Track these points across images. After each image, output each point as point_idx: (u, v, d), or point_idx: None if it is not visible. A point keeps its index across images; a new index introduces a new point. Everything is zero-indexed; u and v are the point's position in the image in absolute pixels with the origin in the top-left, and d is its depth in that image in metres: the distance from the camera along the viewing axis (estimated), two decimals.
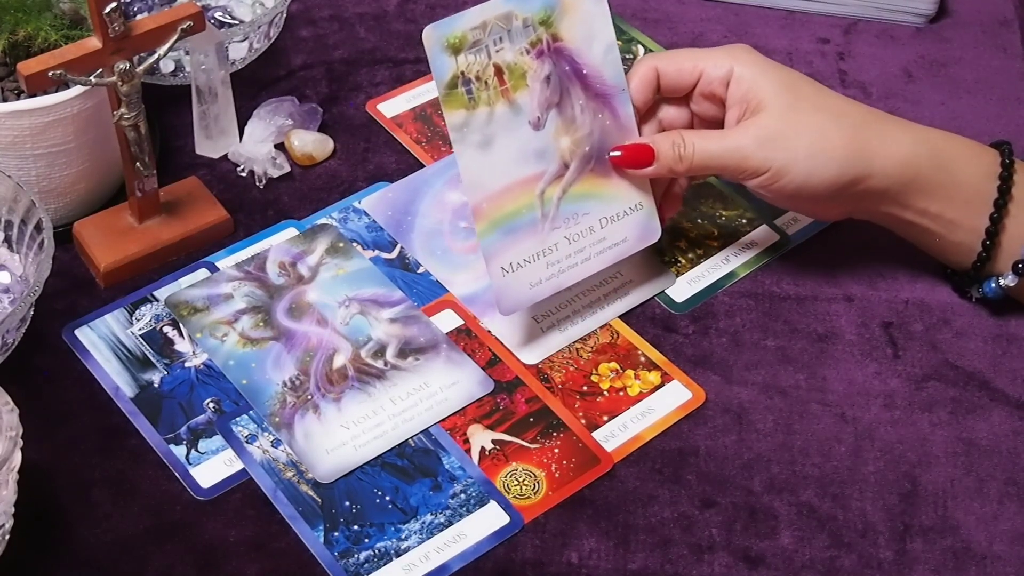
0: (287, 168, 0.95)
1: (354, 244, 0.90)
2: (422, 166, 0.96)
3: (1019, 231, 0.83)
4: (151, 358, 0.83)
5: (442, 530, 0.76)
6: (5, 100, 0.88)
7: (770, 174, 0.81)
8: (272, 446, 0.79)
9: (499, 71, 0.80)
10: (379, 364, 0.83)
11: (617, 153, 0.83)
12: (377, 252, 0.90)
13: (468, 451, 0.80)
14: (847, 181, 0.82)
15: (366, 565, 0.74)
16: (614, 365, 0.84)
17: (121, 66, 0.81)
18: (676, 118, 0.87)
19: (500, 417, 0.81)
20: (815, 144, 0.81)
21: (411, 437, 0.80)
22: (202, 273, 0.88)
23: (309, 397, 0.81)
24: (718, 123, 0.85)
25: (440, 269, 0.89)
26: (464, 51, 0.79)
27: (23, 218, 0.82)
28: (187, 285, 0.87)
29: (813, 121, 0.81)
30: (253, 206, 0.93)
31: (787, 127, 0.81)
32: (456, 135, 0.79)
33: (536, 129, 0.81)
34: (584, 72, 0.82)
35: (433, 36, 0.78)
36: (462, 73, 0.79)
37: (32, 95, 0.83)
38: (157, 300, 0.87)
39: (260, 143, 0.95)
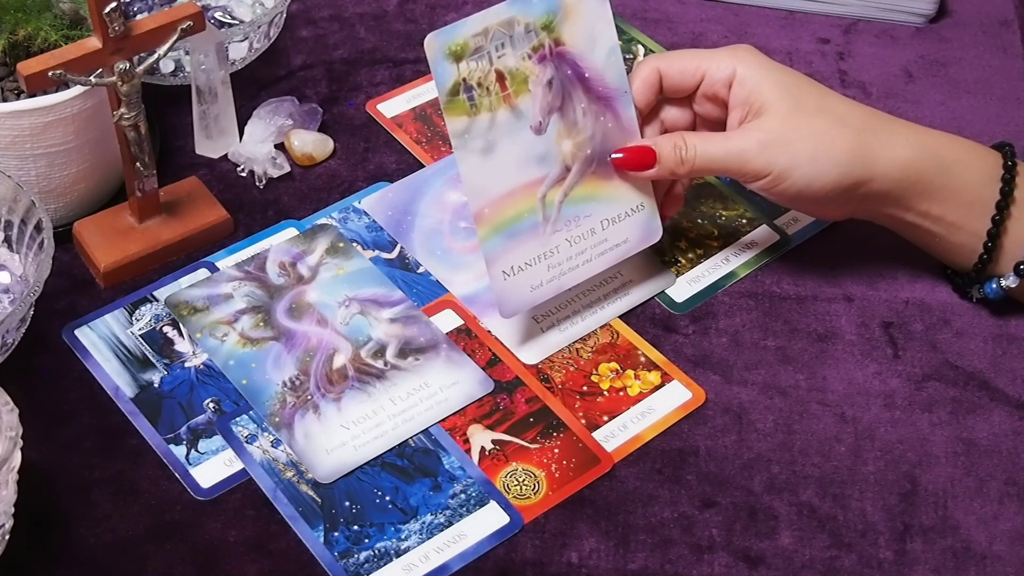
0: (287, 168, 0.95)
1: (354, 244, 0.90)
2: (422, 166, 0.96)
3: (1020, 233, 0.83)
4: (151, 358, 0.83)
5: (442, 530, 0.76)
6: (5, 100, 0.88)
7: (771, 177, 0.81)
8: (272, 446, 0.79)
9: (501, 77, 0.80)
10: (379, 364, 0.83)
11: (619, 155, 0.83)
12: (377, 252, 0.90)
13: (468, 451, 0.80)
14: (849, 184, 0.82)
15: (366, 565, 0.74)
16: (614, 365, 0.84)
17: (121, 66, 0.81)
18: (679, 119, 0.87)
19: (500, 417, 0.81)
20: (817, 148, 0.81)
21: (411, 437, 0.80)
22: (202, 273, 0.88)
23: (309, 397, 0.81)
24: (721, 124, 0.85)
25: (440, 269, 0.89)
26: (466, 58, 0.78)
27: (23, 218, 0.82)
28: (187, 285, 0.87)
29: (815, 125, 0.81)
30: (253, 206, 0.93)
31: (789, 131, 0.81)
32: (458, 142, 0.79)
33: (538, 133, 0.81)
34: (586, 75, 0.82)
35: (435, 44, 0.78)
36: (464, 80, 0.79)
37: (32, 95, 0.83)
38: (157, 300, 0.87)
39: (260, 143, 0.95)
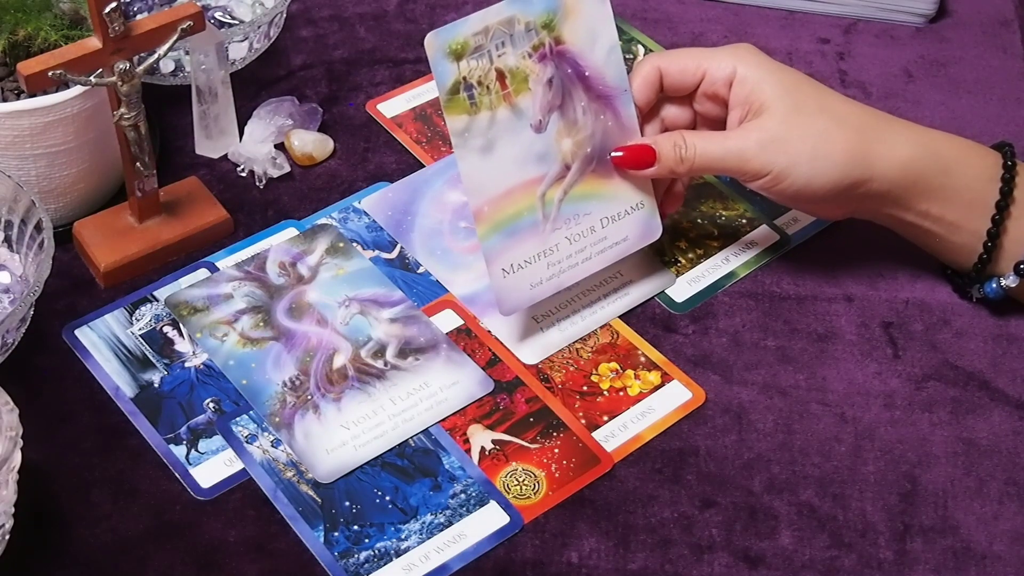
0: (287, 168, 0.95)
1: (354, 244, 0.90)
2: (422, 166, 0.96)
3: (1020, 233, 0.83)
4: (151, 358, 0.83)
5: (442, 530, 0.76)
6: (5, 100, 0.88)
7: (771, 177, 0.81)
8: (272, 446, 0.79)
9: (501, 75, 0.80)
10: (379, 364, 0.83)
11: (619, 154, 0.83)
12: (377, 252, 0.90)
13: (468, 451, 0.80)
14: (848, 184, 0.82)
15: (366, 565, 0.74)
16: (614, 365, 0.84)
17: (121, 66, 0.81)
18: (679, 117, 0.87)
19: (500, 417, 0.81)
20: (817, 148, 0.81)
21: (411, 437, 0.80)
22: (202, 273, 0.88)
23: (309, 397, 0.81)
24: (721, 123, 0.85)
25: (440, 269, 0.89)
26: (466, 57, 0.79)
27: (23, 218, 0.82)
28: (187, 285, 0.87)
29: (815, 124, 0.81)
30: (253, 206, 0.93)
31: (789, 130, 0.81)
32: (458, 140, 0.79)
33: (538, 132, 0.81)
34: (586, 74, 0.82)
35: (435, 43, 0.78)
36: (464, 78, 0.79)
37: (32, 95, 0.83)
38: (157, 300, 0.87)
39: (260, 143, 0.95)
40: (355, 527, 0.76)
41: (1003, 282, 0.85)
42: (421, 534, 0.76)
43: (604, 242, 0.85)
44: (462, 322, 0.86)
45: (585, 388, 0.83)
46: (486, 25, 0.79)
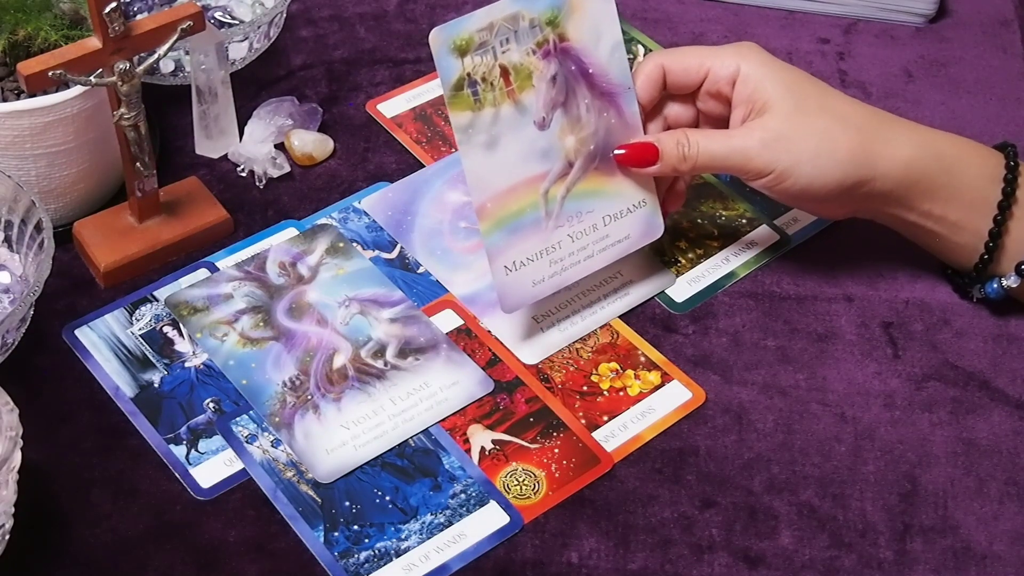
0: (287, 168, 0.95)
1: (354, 244, 0.90)
2: (422, 166, 0.96)
3: (1022, 233, 0.83)
4: (151, 358, 0.83)
5: (442, 530, 0.76)
6: (5, 100, 0.88)
7: (774, 176, 0.81)
8: (272, 446, 0.79)
9: (505, 72, 0.80)
10: (379, 364, 0.83)
11: (621, 152, 0.83)
12: (377, 252, 0.90)
13: (468, 451, 0.80)
14: (851, 184, 0.82)
15: (366, 565, 0.74)
16: (614, 365, 0.84)
17: (121, 66, 0.81)
18: (682, 116, 0.87)
19: (500, 417, 0.81)
20: (820, 147, 0.81)
21: (411, 437, 0.80)
22: (202, 273, 0.88)
23: (309, 397, 0.81)
24: (724, 121, 0.85)
25: (440, 269, 0.89)
26: (470, 53, 0.79)
27: (23, 218, 0.82)
28: (187, 285, 0.87)
29: (818, 124, 0.81)
30: (253, 206, 0.93)
31: (792, 129, 0.81)
32: (461, 136, 0.79)
33: (541, 129, 0.81)
34: (590, 71, 0.82)
35: (440, 38, 0.78)
36: (468, 75, 0.79)
37: (32, 95, 0.83)
38: (157, 300, 0.87)
39: (260, 143, 0.95)
40: (355, 527, 0.76)
41: (1004, 282, 0.85)
42: (421, 534, 0.76)
43: (606, 240, 0.85)
44: (462, 322, 0.86)
45: (585, 388, 0.83)
46: (491, 21, 0.79)
